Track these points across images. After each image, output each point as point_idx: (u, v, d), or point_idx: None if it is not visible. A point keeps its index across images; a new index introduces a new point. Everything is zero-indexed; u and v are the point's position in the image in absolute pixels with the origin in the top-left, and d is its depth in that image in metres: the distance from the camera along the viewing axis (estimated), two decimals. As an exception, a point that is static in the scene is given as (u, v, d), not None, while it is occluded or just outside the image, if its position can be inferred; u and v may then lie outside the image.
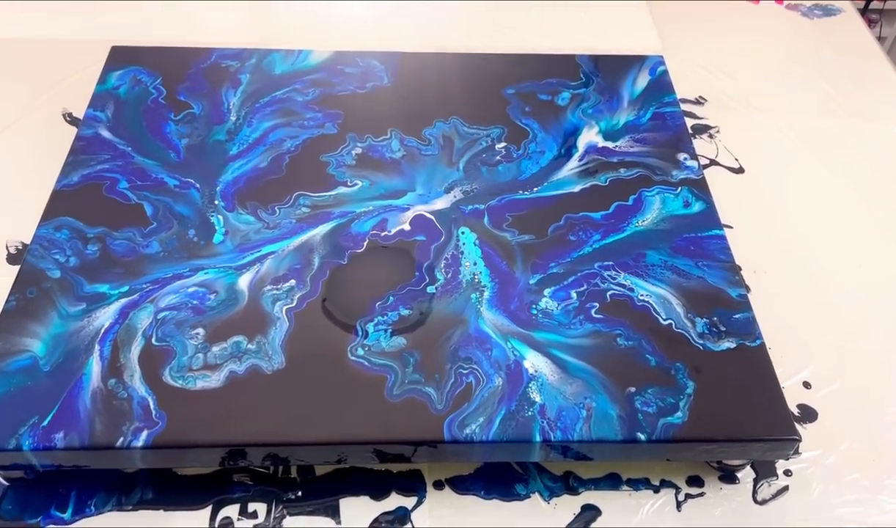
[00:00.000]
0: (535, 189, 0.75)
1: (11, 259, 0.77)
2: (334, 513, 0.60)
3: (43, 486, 0.61)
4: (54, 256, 0.68)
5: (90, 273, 0.66)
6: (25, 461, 0.57)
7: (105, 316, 0.63)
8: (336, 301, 0.66)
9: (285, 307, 0.65)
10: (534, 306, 0.66)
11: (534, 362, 0.62)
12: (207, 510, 0.60)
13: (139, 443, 0.56)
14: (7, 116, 0.90)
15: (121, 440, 0.56)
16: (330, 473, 0.63)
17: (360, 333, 0.63)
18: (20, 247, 0.77)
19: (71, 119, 0.91)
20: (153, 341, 0.62)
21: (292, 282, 0.67)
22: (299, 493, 0.61)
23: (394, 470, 0.63)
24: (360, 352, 0.62)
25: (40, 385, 0.59)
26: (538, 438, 0.58)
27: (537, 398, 0.59)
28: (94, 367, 0.60)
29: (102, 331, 0.62)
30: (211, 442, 0.57)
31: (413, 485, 0.62)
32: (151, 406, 0.58)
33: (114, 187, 0.74)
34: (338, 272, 0.68)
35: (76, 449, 0.56)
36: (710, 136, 0.93)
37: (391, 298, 0.66)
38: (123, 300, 0.65)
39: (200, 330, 0.63)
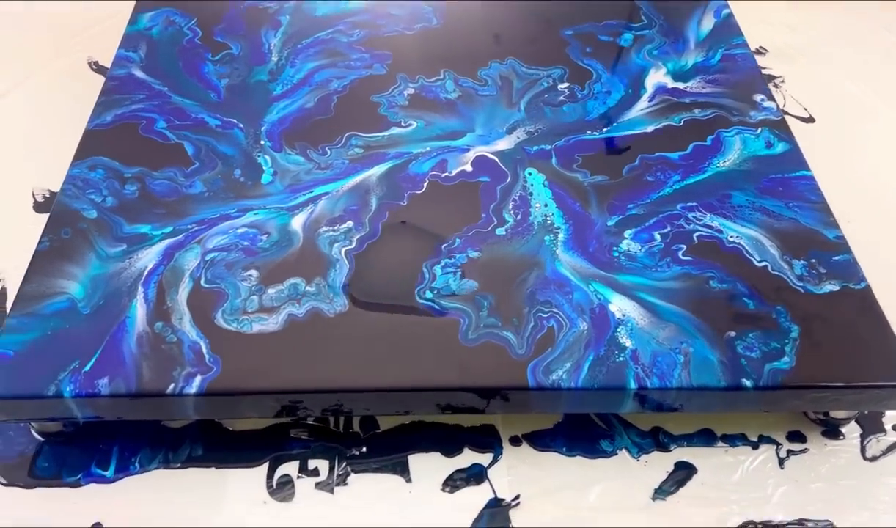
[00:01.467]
0: (605, 129, 0.70)
1: (38, 207, 0.71)
2: (403, 470, 0.55)
3: (81, 442, 0.55)
4: (90, 197, 0.62)
5: (129, 213, 0.61)
6: (65, 411, 0.51)
7: (148, 257, 0.58)
8: (398, 243, 0.60)
9: (344, 249, 0.59)
10: (615, 249, 0.60)
11: (620, 305, 0.56)
12: (264, 468, 0.54)
13: (192, 389, 0.51)
14: (30, 65, 0.85)
15: (172, 386, 0.51)
16: (395, 428, 0.57)
17: (428, 275, 0.57)
18: (47, 195, 0.72)
19: (97, 67, 0.85)
20: (202, 283, 0.56)
21: (350, 223, 0.61)
22: (363, 449, 0.56)
23: (464, 425, 0.57)
24: (429, 295, 0.56)
25: (80, 329, 0.53)
26: (633, 384, 0.52)
27: (628, 343, 0.54)
28: (139, 310, 0.55)
29: (146, 272, 0.57)
30: (271, 388, 0.51)
31: (487, 441, 0.56)
32: (204, 350, 0.52)
33: (151, 127, 0.68)
34: (398, 214, 0.62)
35: (123, 396, 0.50)
36: (776, 85, 0.88)
37: (458, 240, 0.60)
38: (167, 241, 0.59)
39: (253, 272, 0.57)
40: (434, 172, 0.65)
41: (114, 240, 0.59)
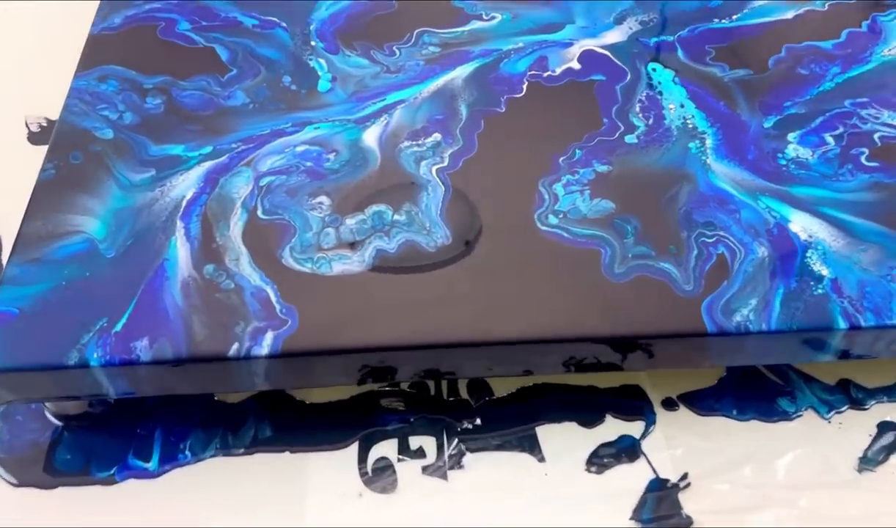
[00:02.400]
0: (735, 17, 0.57)
1: (35, 138, 0.58)
2: (532, 446, 0.43)
3: (113, 425, 0.43)
4: (102, 113, 0.49)
5: (156, 132, 0.48)
6: (93, 386, 0.39)
7: (185, 184, 0.45)
8: (503, 158, 0.47)
9: (435, 168, 0.47)
10: (780, 155, 0.48)
11: (803, 224, 0.44)
12: (353, 450, 0.42)
13: (264, 350, 0.38)
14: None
15: (235, 346, 0.38)
16: (514, 394, 0.45)
17: (547, 196, 0.45)
18: (44, 124, 0.59)
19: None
20: (259, 214, 0.44)
21: (437, 136, 0.48)
22: (477, 421, 0.44)
23: (600, 386, 0.45)
24: (553, 220, 0.44)
25: (104, 277, 0.41)
26: (842, 324, 0.40)
27: (824, 271, 0.42)
28: (180, 250, 0.42)
29: (185, 203, 0.44)
30: (363, 345, 0.39)
31: (633, 405, 0.45)
32: (273, 298, 0.40)
33: (172, 29, 0.55)
34: (496, 122, 0.49)
35: (170, 363, 0.38)
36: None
37: (578, 151, 0.48)
38: (208, 164, 0.46)
39: (324, 199, 0.45)
40: (533, 72, 0.53)
41: (138, 164, 0.46)
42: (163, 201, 0.44)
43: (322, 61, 0.53)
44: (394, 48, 0.54)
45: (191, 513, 0.40)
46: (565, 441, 0.43)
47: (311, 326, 0.39)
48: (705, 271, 0.42)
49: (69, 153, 0.47)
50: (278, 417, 0.43)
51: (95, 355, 0.38)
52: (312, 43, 0.54)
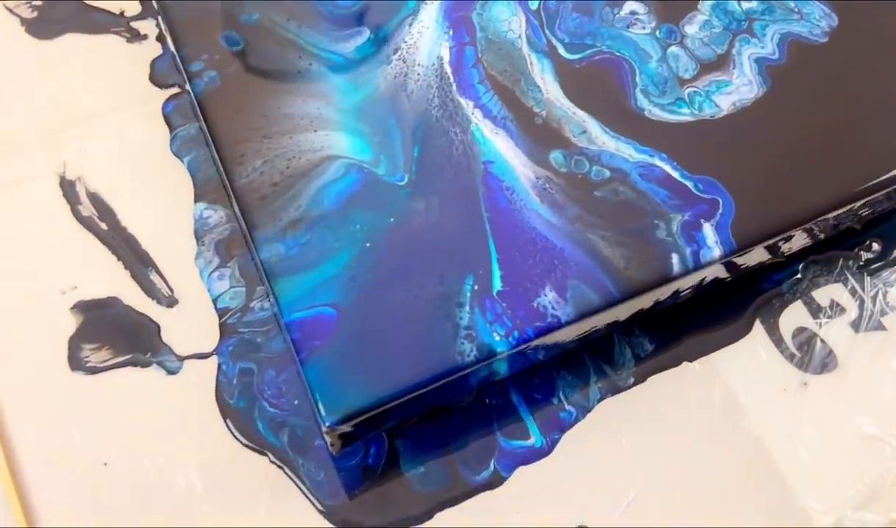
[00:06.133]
0: None
1: (36, 29, 0.40)
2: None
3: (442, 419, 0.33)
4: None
5: (323, -33, 0.33)
6: (485, 378, 0.28)
7: (427, 38, 0.32)
8: None
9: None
10: None
11: None
12: (758, 330, 0.35)
13: (714, 252, 0.29)
14: None
15: (675, 258, 0.28)
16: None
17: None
18: (37, 1, 0.40)
19: None
20: (563, 53, 0.32)
21: None
22: (874, 246, 0.37)
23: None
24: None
25: (417, 214, 0.29)
26: None
27: None
28: (495, 140, 0.30)
29: (449, 69, 0.31)
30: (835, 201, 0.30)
31: None
32: (675, 174, 0.30)
33: None
34: None
35: (600, 311, 0.28)
36: None
37: None
38: (437, -2, 0.33)
39: (634, 5, 0.33)
40: None
41: (336, 26, 0.32)
42: (414, 75, 0.31)
43: None
44: None
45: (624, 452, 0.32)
46: None
47: (748, 198, 0.29)
48: None
49: (218, 37, 0.31)
50: (646, 325, 0.34)
51: (497, 337, 0.27)
52: None
